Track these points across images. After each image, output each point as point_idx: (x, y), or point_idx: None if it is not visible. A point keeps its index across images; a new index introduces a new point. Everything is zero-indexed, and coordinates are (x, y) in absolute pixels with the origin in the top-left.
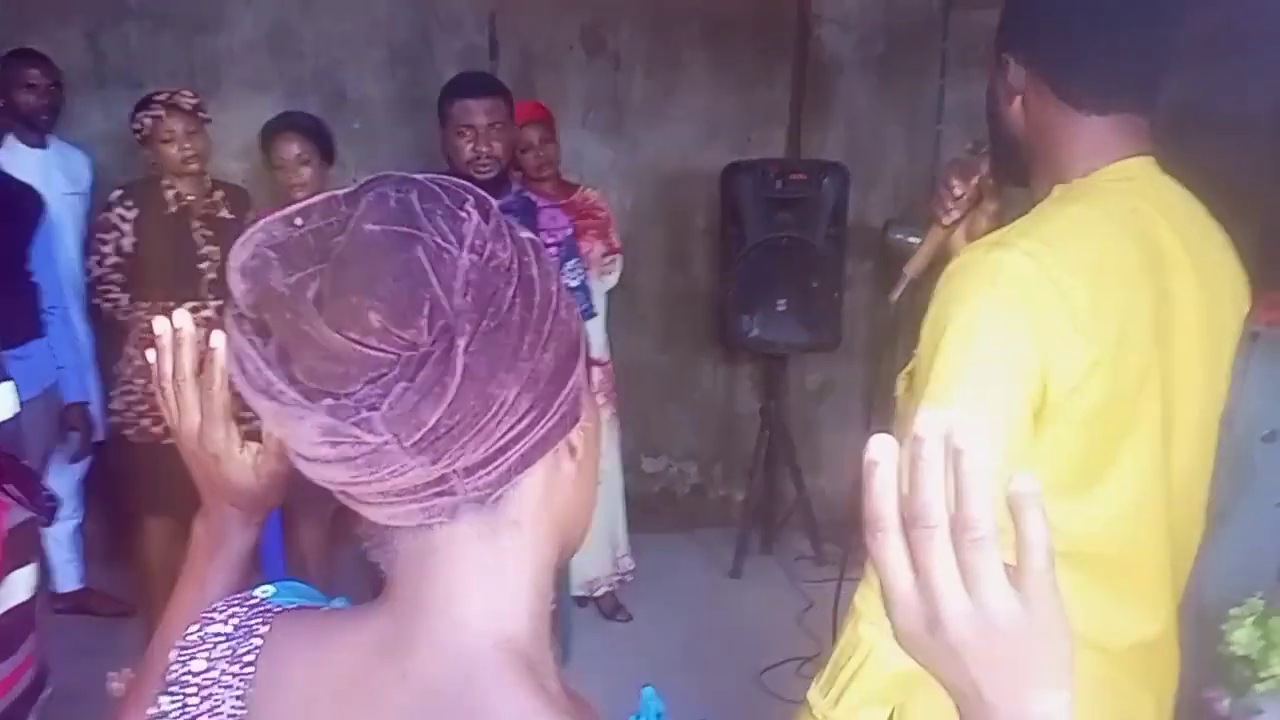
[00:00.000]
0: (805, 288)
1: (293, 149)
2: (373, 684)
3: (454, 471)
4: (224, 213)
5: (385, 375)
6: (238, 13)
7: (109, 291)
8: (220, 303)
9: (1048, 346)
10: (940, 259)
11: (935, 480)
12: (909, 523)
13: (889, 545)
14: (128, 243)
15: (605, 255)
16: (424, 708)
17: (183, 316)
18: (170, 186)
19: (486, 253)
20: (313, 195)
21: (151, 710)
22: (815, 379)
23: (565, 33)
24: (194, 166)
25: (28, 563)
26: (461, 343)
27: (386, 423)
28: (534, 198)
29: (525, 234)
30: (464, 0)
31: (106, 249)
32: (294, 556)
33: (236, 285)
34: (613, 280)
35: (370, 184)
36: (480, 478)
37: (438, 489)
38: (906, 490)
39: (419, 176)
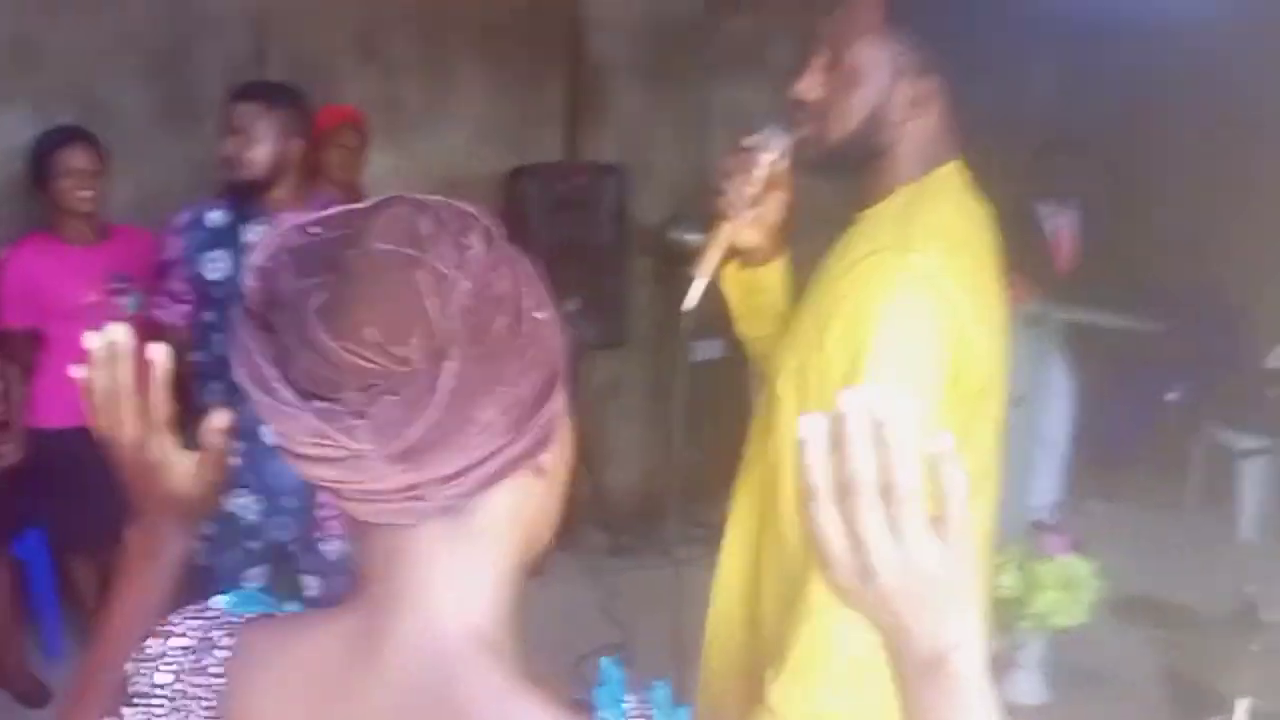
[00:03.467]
0: (592, 287)
1: (82, 159)
2: (348, 681)
3: (427, 481)
4: None
5: (374, 386)
6: None
7: None
8: None
9: (962, 339)
10: (730, 256)
11: (861, 450)
12: (842, 490)
13: (824, 512)
14: None
15: None
16: (401, 700)
17: (119, 329)
18: None
19: (483, 282)
20: (98, 206)
21: None
22: (603, 375)
23: (336, 39)
24: None
25: None
26: (448, 366)
27: (370, 433)
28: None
29: (521, 261)
30: (226, 4)
31: None
32: (68, 593)
33: (251, 284)
34: None
35: (386, 202)
36: (451, 488)
37: (410, 494)
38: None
39: (431, 200)
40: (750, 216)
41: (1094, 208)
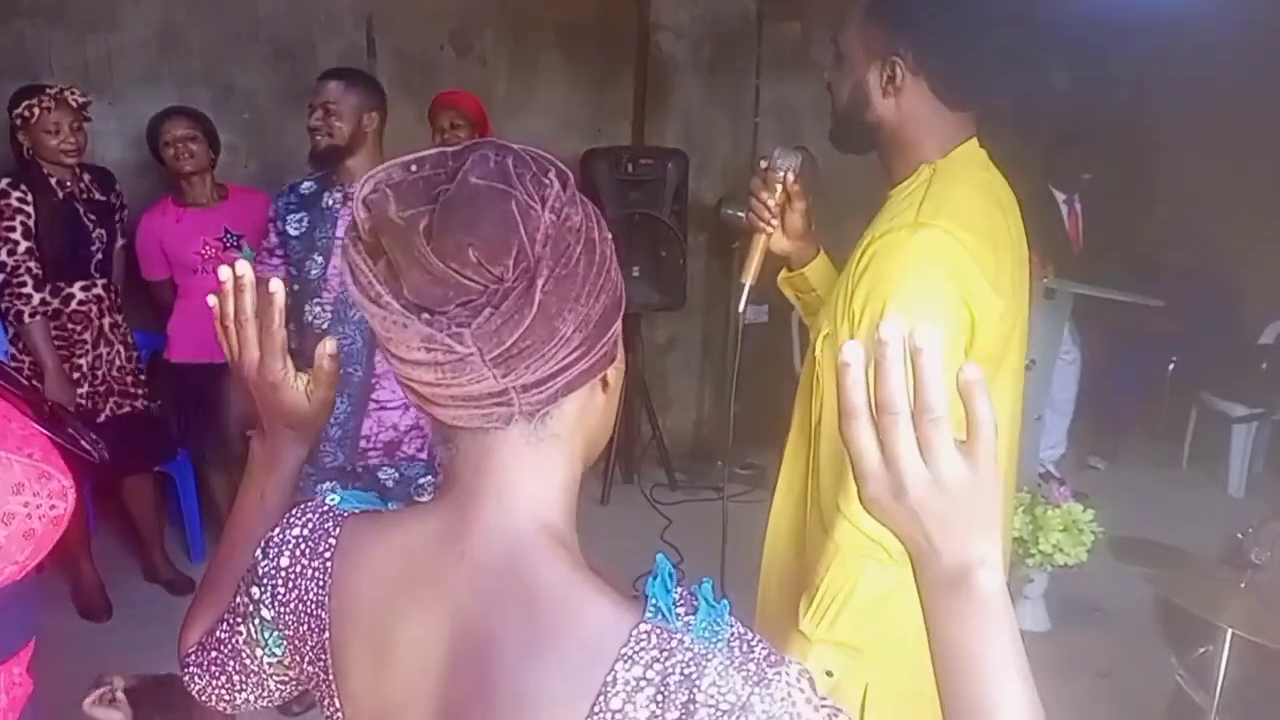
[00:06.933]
0: (654, 256)
1: (180, 128)
2: (435, 565)
3: (514, 388)
4: (97, 195)
5: (475, 301)
6: (128, 13)
7: (24, 285)
8: (105, 280)
9: (974, 302)
10: (769, 261)
11: (898, 375)
12: (878, 410)
13: (861, 430)
14: (32, 225)
15: None
16: (480, 581)
17: (243, 265)
18: (51, 175)
19: (563, 215)
20: (203, 174)
21: (242, 599)
22: (663, 334)
23: (436, 35)
24: (72, 160)
25: None
26: (539, 283)
27: (475, 338)
28: None
29: (588, 203)
30: (343, 3)
31: (15, 235)
32: (209, 504)
33: (359, 213)
34: None
35: (474, 146)
36: (534, 395)
37: (498, 400)
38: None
39: (514, 144)
40: (777, 225)
41: (1101, 194)
